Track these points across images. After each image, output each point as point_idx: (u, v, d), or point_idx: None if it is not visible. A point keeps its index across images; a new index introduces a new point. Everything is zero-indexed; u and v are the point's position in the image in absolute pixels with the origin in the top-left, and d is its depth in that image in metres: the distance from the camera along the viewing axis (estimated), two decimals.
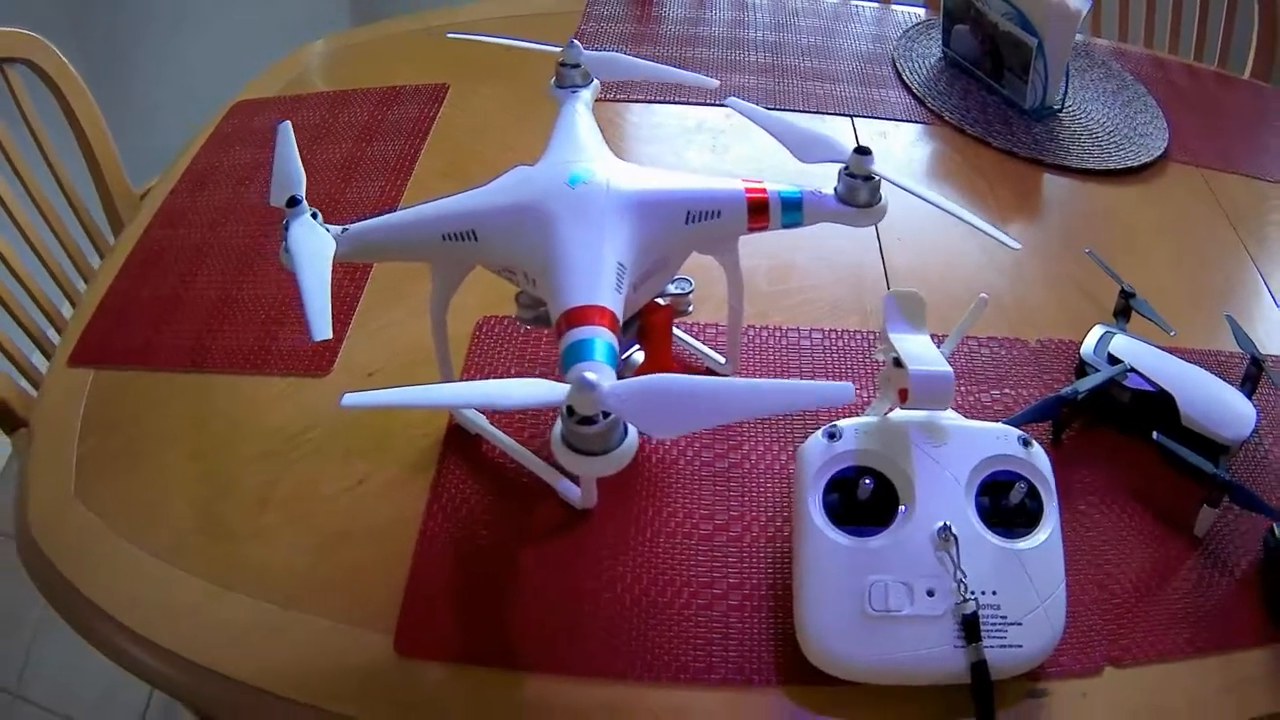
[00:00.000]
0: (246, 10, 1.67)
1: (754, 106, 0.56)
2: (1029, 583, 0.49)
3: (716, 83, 0.63)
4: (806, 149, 0.53)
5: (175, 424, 0.61)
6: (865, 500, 0.50)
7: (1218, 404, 0.64)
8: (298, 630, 0.51)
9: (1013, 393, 0.68)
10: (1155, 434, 0.62)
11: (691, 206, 0.51)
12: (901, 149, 0.92)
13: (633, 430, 0.42)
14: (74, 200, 0.99)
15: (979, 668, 0.47)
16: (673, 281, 0.58)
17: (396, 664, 0.49)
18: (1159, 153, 0.94)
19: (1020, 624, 0.48)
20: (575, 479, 0.57)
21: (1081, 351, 0.68)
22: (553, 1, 1.12)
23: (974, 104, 0.96)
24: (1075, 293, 0.78)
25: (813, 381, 0.51)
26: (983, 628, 0.47)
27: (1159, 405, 0.65)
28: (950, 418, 0.56)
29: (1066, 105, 0.98)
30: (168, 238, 0.76)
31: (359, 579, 0.53)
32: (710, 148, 0.90)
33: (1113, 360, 0.67)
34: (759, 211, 0.51)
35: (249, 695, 0.48)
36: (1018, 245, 0.52)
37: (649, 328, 0.55)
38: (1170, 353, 0.68)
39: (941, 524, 0.49)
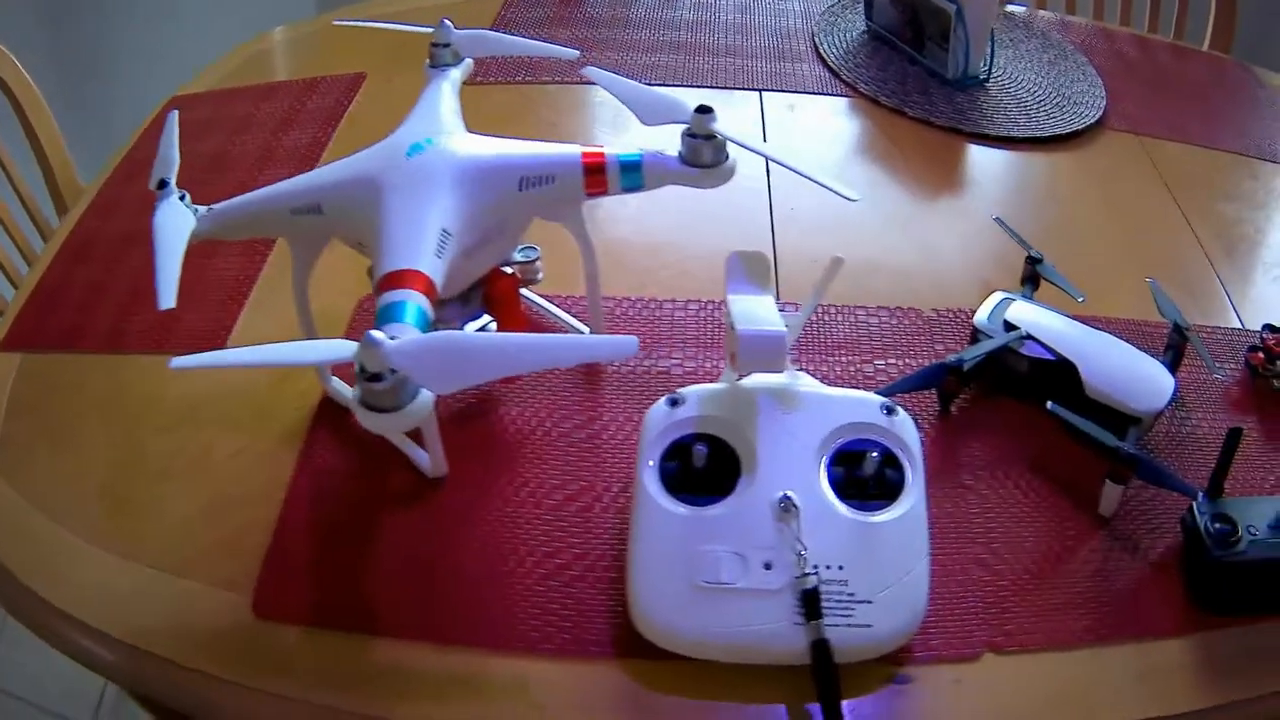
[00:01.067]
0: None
1: (609, 74, 0.55)
2: (883, 559, 0.46)
3: (575, 53, 0.61)
4: (650, 112, 0.52)
5: (93, 403, 0.63)
6: (703, 468, 0.47)
7: (1129, 374, 0.59)
8: (177, 594, 0.52)
9: (900, 363, 0.64)
10: (1050, 404, 0.57)
11: (525, 173, 0.50)
12: (813, 121, 0.87)
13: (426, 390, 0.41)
14: (24, 196, 0.99)
15: (819, 647, 0.43)
16: (519, 250, 0.57)
17: (254, 625, 0.50)
18: (1092, 120, 0.89)
19: (870, 602, 0.45)
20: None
21: (975, 319, 0.63)
22: None
23: (894, 75, 0.91)
24: (989, 262, 0.73)
25: (599, 336, 0.48)
26: (826, 605, 0.44)
27: (1061, 374, 0.60)
28: (808, 384, 0.53)
29: (994, 74, 0.93)
30: (99, 228, 0.78)
31: (235, 543, 0.54)
32: None
33: (1009, 327, 0.62)
34: (595, 175, 0.50)
35: (134, 659, 0.50)
36: (856, 196, 0.49)
37: (494, 296, 0.53)
38: (1090, 322, 0.63)
39: (782, 493, 0.45)
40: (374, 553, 0.53)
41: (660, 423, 0.49)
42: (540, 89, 0.93)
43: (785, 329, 0.48)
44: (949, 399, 0.62)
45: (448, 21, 0.60)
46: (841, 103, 0.89)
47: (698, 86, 0.89)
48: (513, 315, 0.55)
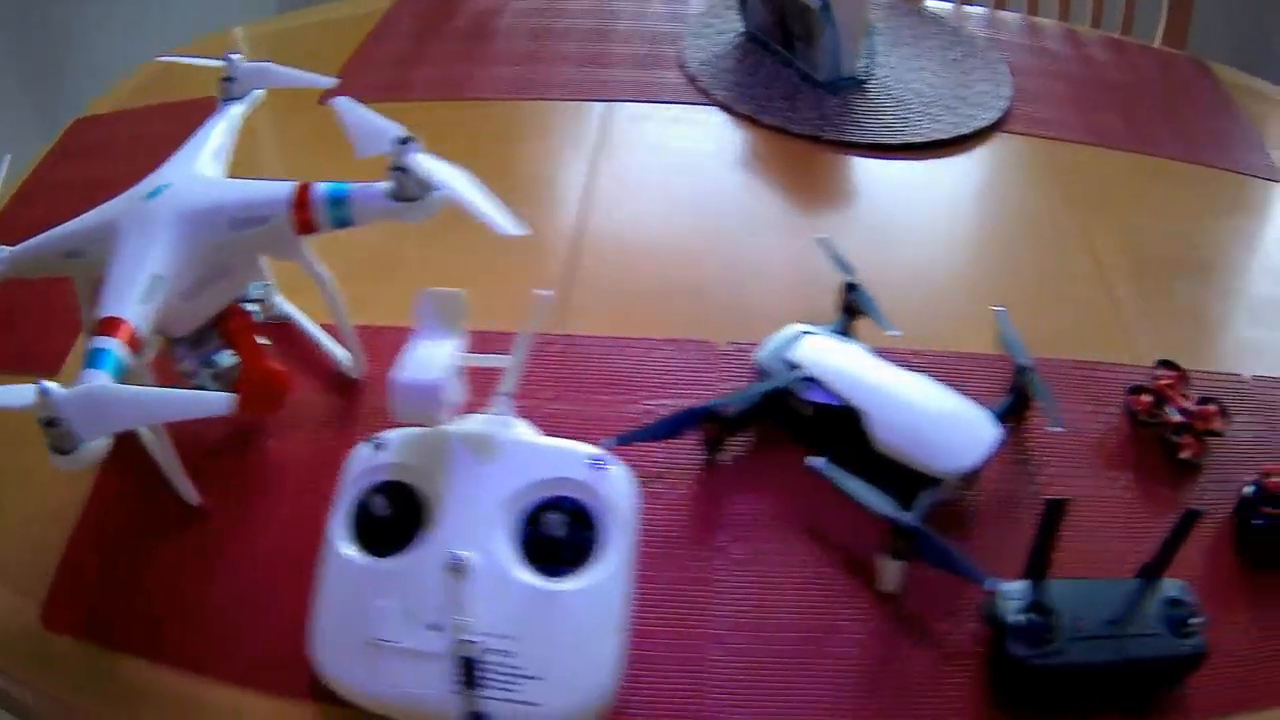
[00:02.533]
0: None
1: (350, 103, 0.51)
2: (561, 632, 0.40)
3: (332, 81, 0.58)
4: (367, 143, 0.49)
5: None
6: (388, 518, 0.43)
7: (935, 425, 0.50)
8: None
9: (673, 403, 0.55)
10: (809, 459, 0.48)
11: (236, 213, 0.49)
12: (657, 133, 0.79)
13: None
14: None
15: (475, 719, 0.40)
16: (256, 286, 0.57)
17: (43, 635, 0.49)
18: (984, 123, 0.80)
19: (541, 679, 0.40)
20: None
21: (755, 355, 0.54)
22: None
23: (761, 80, 0.83)
24: (824, 289, 0.63)
25: (195, 392, 0.44)
26: (490, 677, 0.40)
27: (850, 423, 0.51)
28: (519, 432, 0.46)
29: (881, 74, 0.84)
30: None
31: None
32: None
33: (793, 366, 0.53)
34: (303, 211, 0.49)
35: None
36: (514, 231, 0.44)
37: (229, 333, 0.53)
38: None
39: (453, 552, 0.40)
40: (149, 575, 0.51)
41: (360, 465, 0.45)
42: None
43: (441, 378, 0.42)
44: (714, 447, 0.53)
45: (233, 57, 0.58)
46: (696, 112, 0.81)
47: (541, 99, 0.82)
48: (249, 350, 0.53)
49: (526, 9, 0.97)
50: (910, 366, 0.58)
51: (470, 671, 0.39)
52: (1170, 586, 0.46)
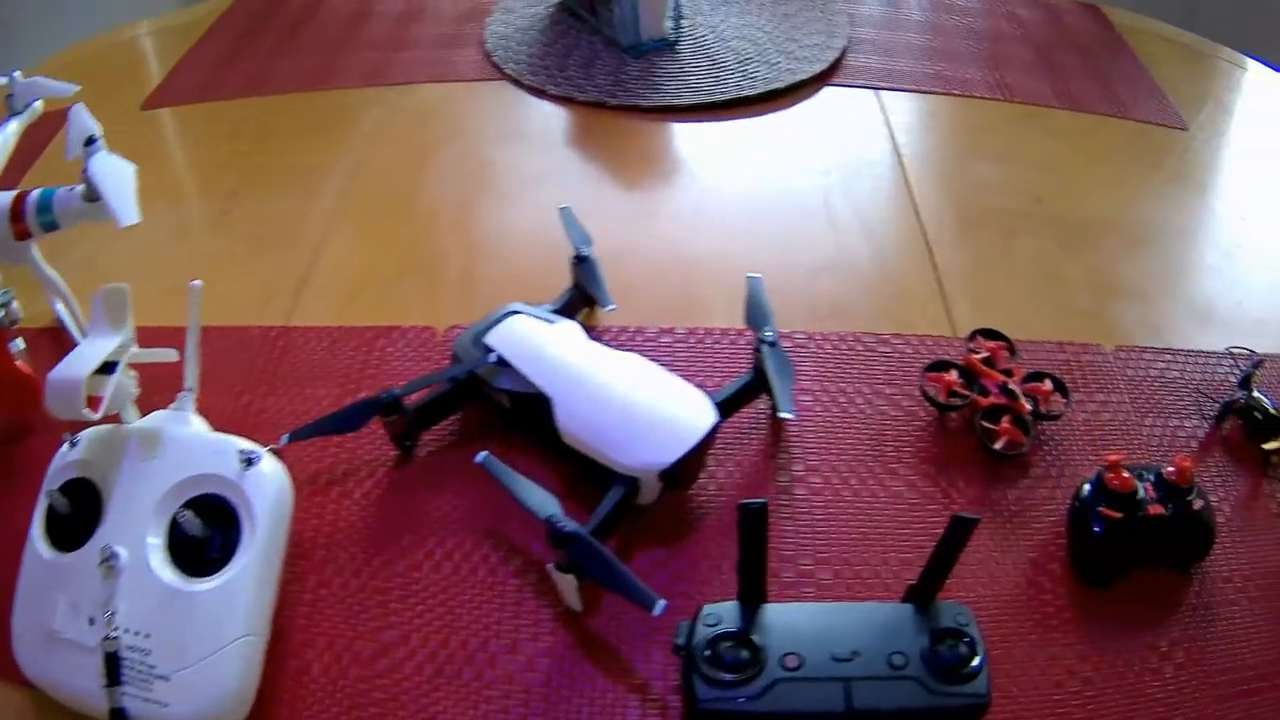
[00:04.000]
0: None
1: (80, 110, 0.50)
2: (191, 632, 0.39)
3: (72, 88, 0.55)
4: (71, 145, 0.49)
5: None
6: (68, 514, 0.42)
7: (624, 416, 0.43)
8: None
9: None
10: (480, 455, 0.41)
11: None
12: (435, 112, 0.73)
13: None
14: None
15: (116, 715, 0.38)
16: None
17: None
18: (802, 77, 0.73)
19: (168, 679, 0.38)
20: None
21: (457, 342, 0.48)
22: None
23: (557, 51, 0.76)
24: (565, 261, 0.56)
25: None
26: (129, 674, 0.39)
27: (545, 412, 0.44)
28: (189, 428, 0.43)
29: (699, 33, 0.77)
30: None
31: None
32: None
33: (488, 351, 0.46)
34: (17, 221, 0.50)
35: None
36: (128, 221, 0.45)
37: None
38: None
39: (107, 548, 0.40)
40: None
41: (55, 464, 0.44)
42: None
43: (81, 374, 0.40)
44: (402, 441, 0.47)
45: (15, 74, 0.56)
46: (487, 88, 0.75)
47: (344, 88, 0.76)
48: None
49: None
50: (659, 346, 0.52)
51: (112, 667, 0.39)
52: (948, 614, 0.37)
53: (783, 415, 0.45)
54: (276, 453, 0.41)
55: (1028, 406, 0.48)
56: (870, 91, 0.74)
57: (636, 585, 0.37)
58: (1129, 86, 0.78)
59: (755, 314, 0.49)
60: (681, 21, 0.78)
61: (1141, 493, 0.44)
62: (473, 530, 0.44)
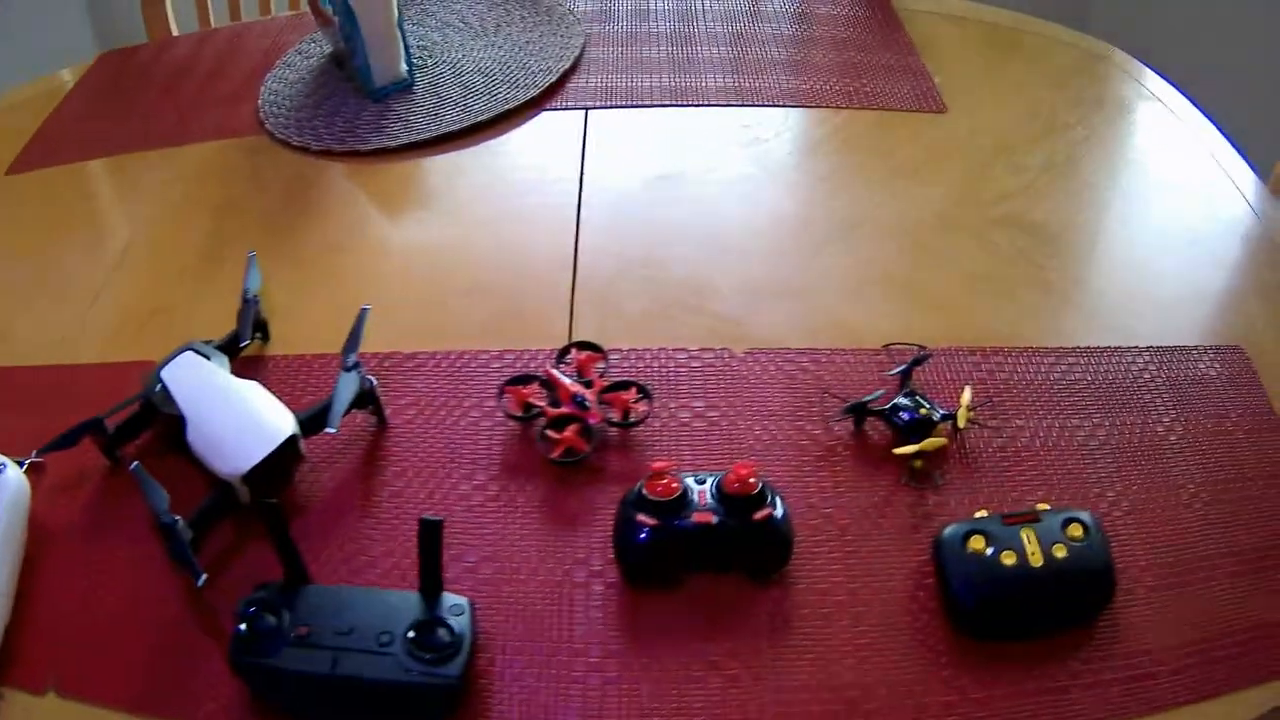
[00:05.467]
0: None
1: None
2: None
3: None
4: None
5: None
6: None
7: (221, 429, 0.54)
8: None
9: None
10: (133, 465, 0.53)
11: None
12: (193, 169, 0.82)
13: None
14: None
15: None
16: None
17: None
18: (511, 105, 0.82)
19: None
20: None
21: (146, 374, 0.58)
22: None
23: (313, 102, 0.86)
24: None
25: None
26: None
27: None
28: None
29: (439, 70, 0.87)
30: None
31: None
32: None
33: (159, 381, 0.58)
34: None
35: None
36: None
37: None
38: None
39: None
40: None
41: None
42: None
43: None
44: (110, 453, 0.58)
45: None
46: (246, 142, 0.84)
47: (138, 150, 0.86)
48: None
49: (179, 57, 1.01)
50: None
51: None
52: (445, 605, 0.46)
53: (328, 430, 0.55)
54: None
55: (600, 415, 0.56)
56: (580, 112, 0.83)
57: (191, 562, 0.49)
58: (895, 69, 0.87)
59: (349, 341, 0.59)
60: (414, 63, 0.87)
61: (694, 500, 0.48)
62: (108, 532, 0.55)
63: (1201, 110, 0.87)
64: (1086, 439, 0.59)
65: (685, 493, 0.48)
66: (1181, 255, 0.72)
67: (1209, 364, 0.63)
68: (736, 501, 0.48)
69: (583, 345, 0.61)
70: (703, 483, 0.49)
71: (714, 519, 0.47)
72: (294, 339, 0.65)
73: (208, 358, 0.59)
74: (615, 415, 0.57)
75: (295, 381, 0.62)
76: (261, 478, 0.53)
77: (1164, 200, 0.77)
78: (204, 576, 0.50)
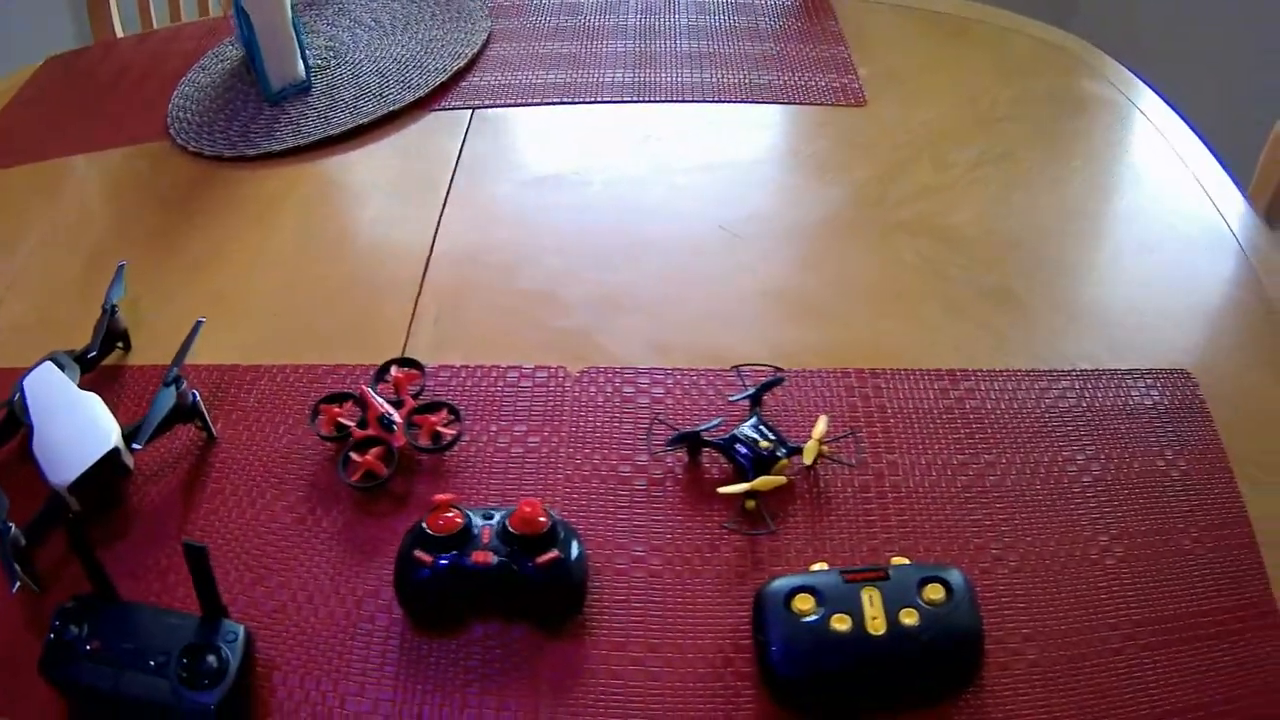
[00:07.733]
0: None
1: None
2: None
3: None
4: None
5: None
6: None
7: (53, 441, 0.55)
8: None
9: None
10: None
11: None
12: (108, 178, 0.83)
13: None
14: None
15: None
16: None
17: None
18: (397, 106, 0.81)
19: None
20: None
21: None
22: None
23: (221, 107, 0.86)
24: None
25: None
26: None
27: None
28: None
29: (334, 73, 0.86)
30: None
31: None
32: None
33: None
34: None
35: None
36: None
37: None
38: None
39: None
40: None
41: None
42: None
43: None
44: None
45: None
46: (153, 148, 0.84)
47: (45, 160, 0.87)
48: None
49: (120, 59, 1.02)
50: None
51: None
52: (221, 630, 0.45)
53: (134, 447, 0.55)
54: None
55: (404, 439, 0.54)
56: (467, 111, 0.82)
57: (12, 568, 0.50)
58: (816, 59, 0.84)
59: (177, 354, 0.59)
60: (313, 64, 0.87)
61: (477, 538, 0.45)
62: None
63: (1175, 109, 0.79)
64: (974, 479, 0.52)
65: (468, 529, 0.46)
66: (1128, 266, 0.65)
67: (1145, 391, 0.56)
68: (522, 541, 0.45)
69: (404, 362, 0.59)
70: (490, 519, 0.46)
71: (493, 560, 0.44)
72: (157, 349, 0.66)
73: (64, 368, 0.60)
74: (423, 439, 0.54)
75: (152, 391, 0.62)
76: (89, 488, 0.54)
77: (1113, 203, 0.70)
78: (17, 584, 0.50)
